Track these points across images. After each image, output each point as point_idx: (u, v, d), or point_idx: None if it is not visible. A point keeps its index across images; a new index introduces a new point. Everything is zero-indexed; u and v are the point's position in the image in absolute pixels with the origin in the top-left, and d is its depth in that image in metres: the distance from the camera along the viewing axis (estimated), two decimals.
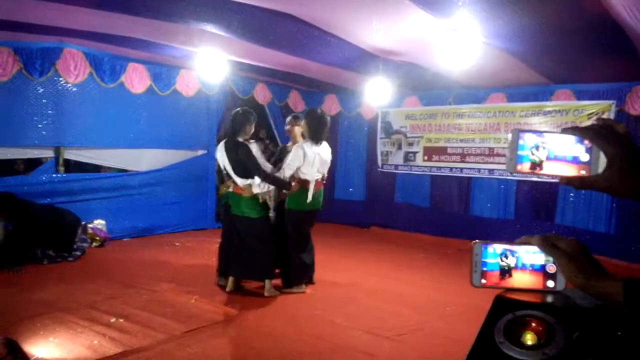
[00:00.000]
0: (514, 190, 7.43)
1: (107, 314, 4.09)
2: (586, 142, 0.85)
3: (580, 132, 0.84)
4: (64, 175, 6.64)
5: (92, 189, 6.86)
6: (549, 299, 0.90)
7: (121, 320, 3.99)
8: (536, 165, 0.86)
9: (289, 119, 5.35)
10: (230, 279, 4.87)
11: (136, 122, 7.24)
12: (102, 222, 6.73)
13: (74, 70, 6.33)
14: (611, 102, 6.48)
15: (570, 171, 0.85)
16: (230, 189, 4.90)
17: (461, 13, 4.27)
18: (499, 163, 7.41)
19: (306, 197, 4.91)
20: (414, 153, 8.40)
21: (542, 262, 0.92)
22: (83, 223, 6.16)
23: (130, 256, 6.19)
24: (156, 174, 7.57)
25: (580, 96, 6.76)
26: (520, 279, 0.92)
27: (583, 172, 0.85)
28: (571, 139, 0.85)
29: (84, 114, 6.64)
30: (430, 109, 8.20)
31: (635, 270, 5.92)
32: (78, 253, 5.89)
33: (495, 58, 5.60)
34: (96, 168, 7.53)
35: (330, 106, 9.07)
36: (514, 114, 7.34)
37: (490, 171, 7.56)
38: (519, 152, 0.86)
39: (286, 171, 4.84)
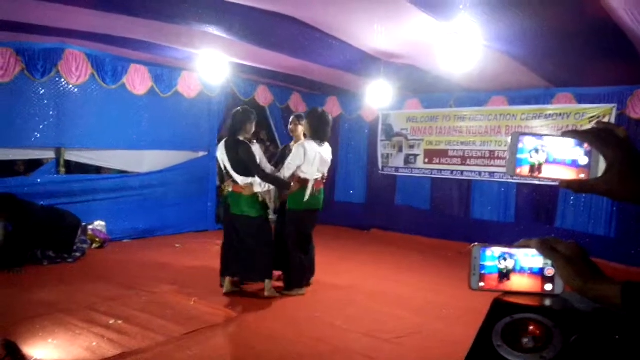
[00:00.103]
0: (514, 193, 7.42)
1: (106, 316, 4.09)
2: (585, 145, 0.85)
3: (579, 135, 0.84)
4: (65, 176, 6.65)
5: (93, 190, 6.86)
6: (547, 302, 0.90)
7: (120, 322, 3.98)
8: (535, 168, 0.86)
9: (292, 118, 5.38)
10: (227, 279, 4.86)
11: (137, 123, 7.25)
12: (102, 223, 6.73)
13: (75, 71, 6.34)
14: (612, 105, 6.47)
15: (570, 174, 0.86)
16: (230, 189, 4.91)
17: (462, 16, 4.27)
18: (499, 166, 7.41)
19: (303, 197, 4.91)
20: (415, 156, 8.40)
21: (541, 266, 0.91)
22: (83, 224, 6.16)
23: (130, 258, 6.18)
24: (157, 175, 7.57)
25: (581, 100, 6.76)
26: (519, 282, 0.92)
27: (582, 176, 0.85)
28: (570, 142, 0.85)
29: (86, 115, 6.64)
30: (431, 112, 8.20)
31: (635, 274, 5.91)
32: (78, 254, 5.89)
33: (497, 61, 5.60)
34: (97, 169, 7.54)
35: (331, 108, 9.07)
36: (515, 117, 7.34)
37: (491, 174, 7.56)
38: (519, 156, 0.86)
39: (286, 171, 4.85)
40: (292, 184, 4.86)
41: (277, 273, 5.16)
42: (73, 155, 6.78)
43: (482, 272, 0.92)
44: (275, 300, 4.79)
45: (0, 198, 5.44)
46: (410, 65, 6.24)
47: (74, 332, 3.75)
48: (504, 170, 6.87)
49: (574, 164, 0.85)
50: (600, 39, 4.56)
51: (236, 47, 5.86)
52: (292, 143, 5.41)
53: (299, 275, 5.02)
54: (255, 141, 5.16)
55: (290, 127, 5.35)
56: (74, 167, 7.11)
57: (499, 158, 7.45)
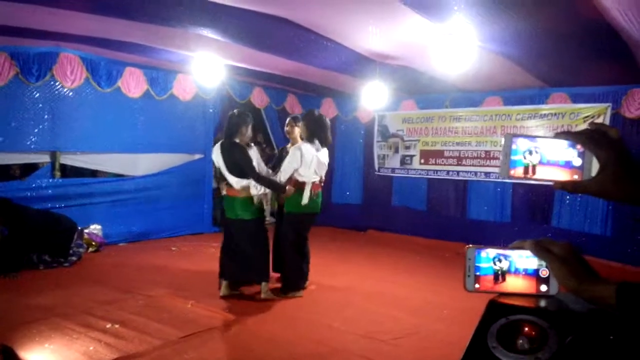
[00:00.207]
0: (510, 193, 7.44)
1: (103, 320, 4.07)
2: (579, 146, 0.85)
3: (572, 136, 0.85)
4: (60, 180, 6.62)
5: (88, 193, 6.84)
6: (542, 303, 0.90)
7: (117, 325, 3.97)
8: (529, 169, 0.86)
9: (288, 120, 5.37)
10: (224, 283, 4.86)
11: (133, 126, 7.23)
12: (98, 227, 6.71)
13: (70, 74, 6.33)
14: (607, 105, 6.50)
15: (563, 175, 0.86)
16: (224, 192, 4.91)
17: (457, 17, 4.29)
18: (495, 166, 7.42)
19: (301, 200, 4.91)
20: (411, 156, 8.41)
21: (535, 267, 0.92)
22: (79, 228, 6.13)
23: (126, 261, 6.17)
24: (153, 178, 7.56)
25: (576, 99, 6.78)
26: (514, 284, 0.92)
27: (576, 177, 0.86)
28: (564, 143, 0.86)
29: (81, 118, 6.62)
30: (427, 113, 8.22)
31: (631, 272, 5.93)
32: (74, 258, 5.87)
33: (491, 62, 5.62)
34: (92, 173, 7.52)
35: (327, 110, 9.08)
36: (510, 117, 7.36)
37: (487, 174, 7.58)
38: (512, 157, 0.86)
39: (283, 175, 4.84)
40: (288, 187, 4.85)
41: (275, 275, 5.16)
42: (68, 159, 6.76)
43: (477, 273, 0.92)
44: (272, 302, 4.79)
45: None
46: (406, 67, 6.25)
47: (71, 336, 3.73)
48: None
49: (568, 165, 0.86)
50: (594, 39, 4.57)
51: (231, 49, 5.86)
52: (289, 145, 5.41)
53: (295, 277, 5.02)
54: (253, 144, 5.16)
55: (286, 129, 5.36)
56: (69, 171, 7.08)
57: (494, 158, 7.47)
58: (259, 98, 8.66)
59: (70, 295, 4.71)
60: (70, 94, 6.48)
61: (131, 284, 5.16)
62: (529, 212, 7.32)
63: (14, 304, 4.43)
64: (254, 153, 5.05)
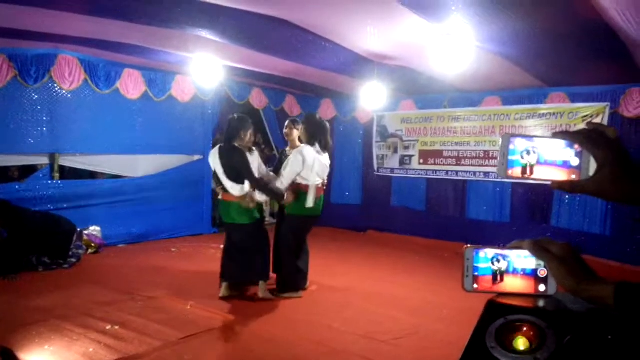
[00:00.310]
0: (509, 193, 7.44)
1: (102, 321, 4.07)
2: (576, 146, 0.85)
3: (570, 136, 0.85)
4: (59, 182, 6.61)
5: (87, 195, 6.83)
6: (541, 303, 0.90)
7: (117, 327, 3.97)
8: (527, 169, 0.86)
9: (287, 122, 5.36)
10: (224, 284, 4.86)
11: (131, 128, 7.23)
12: (98, 228, 6.70)
13: (68, 76, 6.32)
14: (605, 104, 6.50)
15: (561, 175, 0.86)
16: (220, 196, 4.91)
17: (455, 18, 4.29)
18: (494, 166, 7.42)
19: (305, 203, 4.90)
20: (410, 156, 8.41)
21: (534, 267, 0.92)
22: (78, 230, 6.13)
23: (126, 262, 6.16)
24: (152, 179, 7.55)
25: (574, 99, 6.79)
26: (512, 284, 0.92)
27: (573, 177, 0.86)
28: (561, 143, 0.86)
29: (79, 120, 6.62)
30: (426, 113, 8.22)
31: (630, 272, 5.94)
32: (73, 260, 5.87)
33: (490, 62, 5.62)
34: (91, 174, 7.52)
35: (326, 111, 9.08)
36: (508, 117, 7.36)
37: (486, 174, 7.58)
38: (510, 157, 0.86)
39: (286, 179, 4.81)
40: (287, 194, 4.83)
41: (274, 276, 5.16)
42: (67, 161, 6.75)
43: (476, 273, 0.93)
44: (272, 303, 4.79)
45: None
46: (404, 67, 6.25)
47: (71, 338, 3.73)
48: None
49: (565, 165, 0.86)
50: (593, 38, 4.58)
51: (230, 50, 5.86)
52: (287, 148, 5.41)
53: (293, 278, 5.02)
54: (254, 148, 5.17)
55: (285, 131, 5.35)
56: (68, 173, 7.08)
57: (493, 158, 7.47)
58: (257, 99, 8.66)
59: (69, 297, 4.71)
60: (69, 95, 6.48)
61: (131, 285, 5.16)
62: (528, 212, 7.33)
63: (13, 305, 4.42)
64: (255, 156, 5.06)
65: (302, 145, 4.97)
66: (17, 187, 6.30)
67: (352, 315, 4.56)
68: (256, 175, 4.86)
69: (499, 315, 0.88)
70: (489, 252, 0.93)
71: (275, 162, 5.63)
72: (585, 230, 6.71)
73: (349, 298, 5.07)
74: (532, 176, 0.86)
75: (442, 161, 8.03)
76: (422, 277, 6.02)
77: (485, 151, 7.58)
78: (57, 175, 6.59)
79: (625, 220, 6.33)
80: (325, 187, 5.19)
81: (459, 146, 7.83)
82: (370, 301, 5.00)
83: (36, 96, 6.22)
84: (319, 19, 4.73)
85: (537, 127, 7.03)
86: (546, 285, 0.91)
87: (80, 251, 6.08)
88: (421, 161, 8.27)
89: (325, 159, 5.05)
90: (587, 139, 0.83)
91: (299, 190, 4.91)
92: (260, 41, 5.56)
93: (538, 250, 0.86)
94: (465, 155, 7.77)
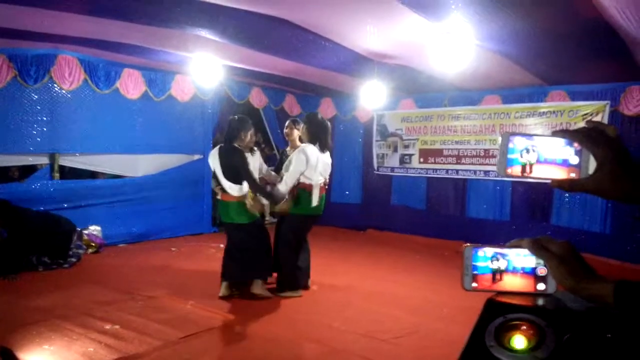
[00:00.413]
0: (509, 191, 7.44)
1: (102, 321, 4.07)
2: (576, 144, 0.85)
3: (569, 134, 0.85)
4: (59, 181, 6.61)
5: (87, 195, 6.83)
6: (540, 301, 0.90)
7: (117, 327, 3.97)
8: (526, 168, 0.86)
9: (288, 122, 5.37)
10: (224, 284, 4.86)
11: (131, 127, 7.23)
12: (98, 228, 6.70)
13: (68, 76, 6.32)
14: (605, 102, 6.50)
15: (560, 174, 0.86)
16: (219, 196, 4.91)
17: (455, 16, 4.28)
18: (494, 164, 7.41)
19: (309, 202, 4.90)
20: (410, 155, 8.41)
21: (533, 265, 0.92)
22: (78, 229, 6.13)
23: (126, 262, 6.17)
24: (152, 179, 7.55)
25: (574, 97, 6.78)
26: (512, 282, 0.92)
27: (573, 175, 0.86)
28: (561, 141, 0.86)
29: (79, 120, 6.62)
30: (426, 112, 8.21)
31: (630, 270, 5.94)
32: (73, 259, 5.87)
33: (489, 60, 5.62)
34: (91, 174, 7.51)
35: (326, 110, 9.08)
36: (508, 115, 7.36)
37: (486, 173, 7.57)
38: (509, 156, 0.86)
39: (290, 180, 4.80)
40: (284, 201, 4.82)
41: (274, 275, 5.17)
42: (67, 161, 6.75)
43: (475, 272, 0.92)
44: (272, 302, 4.79)
45: None
46: (404, 66, 6.25)
47: (71, 337, 3.73)
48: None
49: (565, 163, 0.86)
50: (592, 37, 4.58)
51: (230, 50, 5.86)
52: (288, 148, 5.40)
53: (292, 277, 5.01)
54: (256, 148, 5.19)
55: (285, 131, 5.34)
56: (68, 173, 7.08)
57: (493, 157, 7.47)
58: (257, 98, 8.65)
59: (69, 297, 4.71)
60: (69, 95, 6.47)
61: (131, 284, 5.16)
62: (528, 210, 7.33)
63: (13, 305, 4.42)
64: (257, 157, 5.08)
65: (304, 144, 4.96)
66: (17, 187, 6.30)
67: (353, 314, 4.56)
68: (256, 176, 4.89)
69: (498, 314, 0.87)
70: (488, 251, 0.92)
71: (275, 162, 5.62)
72: (586, 228, 6.71)
73: (349, 297, 5.06)
74: (532, 175, 0.86)
75: (442, 160, 8.03)
76: (422, 276, 6.02)
77: (485, 150, 7.58)
78: (57, 175, 6.59)
79: (625, 218, 6.33)
80: (326, 186, 5.19)
81: (459, 145, 7.83)
82: (371, 300, 5.00)
83: (36, 96, 6.22)
84: (318, 18, 4.73)
85: (537, 125, 7.03)
86: (545, 283, 0.91)
87: (81, 251, 6.08)
88: (421, 160, 8.27)
89: (327, 157, 5.06)
90: (586, 137, 0.83)
91: (301, 190, 4.90)
92: (260, 40, 5.56)
93: (537, 249, 0.86)
94: (465, 153, 7.77)
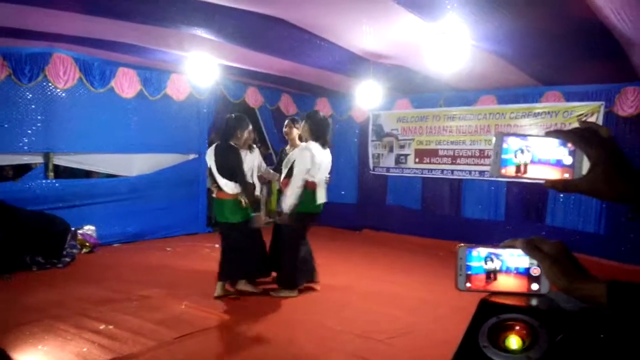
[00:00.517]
0: (504, 191, 7.46)
1: (96, 321, 4.06)
2: (569, 145, 0.85)
3: (563, 135, 0.85)
4: (54, 181, 6.58)
5: (82, 194, 6.80)
6: (534, 302, 0.90)
7: (111, 327, 3.96)
8: (520, 168, 0.86)
9: (287, 121, 5.37)
10: (219, 283, 4.85)
11: (126, 127, 7.21)
12: (92, 227, 6.68)
13: (63, 75, 6.30)
14: (600, 103, 6.52)
15: (554, 174, 0.86)
16: (214, 195, 4.92)
17: (450, 16, 4.29)
18: (489, 165, 7.40)
19: (312, 200, 4.90)
20: (406, 155, 8.42)
21: (527, 265, 0.92)
22: (73, 229, 6.10)
23: (120, 262, 6.14)
24: (147, 178, 7.53)
25: (569, 97, 6.81)
26: (505, 282, 0.92)
27: (567, 175, 0.85)
28: (554, 142, 0.86)
29: (74, 119, 6.59)
30: (421, 112, 8.22)
31: (624, 270, 5.95)
32: (67, 259, 5.85)
33: (485, 61, 5.62)
34: (86, 173, 7.49)
35: (322, 110, 9.01)
36: (504, 115, 7.38)
37: (481, 173, 7.59)
38: (503, 156, 0.86)
39: (298, 179, 4.78)
40: (259, 216, 4.80)
41: (272, 275, 5.19)
42: (62, 160, 6.73)
43: (469, 272, 0.92)
44: (268, 302, 4.78)
45: None
46: (399, 66, 6.25)
47: (65, 338, 3.71)
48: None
49: (559, 163, 0.86)
50: (587, 37, 4.59)
51: (225, 49, 5.85)
52: (287, 147, 5.40)
53: (291, 276, 5.00)
54: (255, 146, 5.20)
55: (285, 130, 5.34)
56: (62, 172, 7.05)
57: (488, 157, 7.42)
58: (253, 98, 8.65)
59: (63, 297, 4.69)
60: (63, 94, 6.46)
61: (125, 284, 5.14)
62: (523, 211, 7.35)
63: (6, 305, 4.40)
64: (256, 154, 5.10)
65: (307, 142, 4.94)
66: (11, 186, 6.27)
67: (349, 314, 4.56)
68: (255, 174, 4.95)
69: (491, 314, 0.87)
70: (482, 251, 0.92)
71: (271, 162, 5.63)
72: (580, 229, 6.74)
73: (345, 297, 5.06)
74: (526, 175, 0.86)
75: (437, 160, 8.04)
76: (418, 276, 6.02)
77: (480, 150, 7.59)
78: (51, 174, 6.56)
79: (620, 219, 6.35)
80: (327, 184, 5.18)
81: (454, 145, 7.84)
82: (367, 300, 5.00)
83: (30, 95, 6.20)
84: (314, 17, 4.72)
85: (532, 126, 7.05)
86: (539, 284, 0.91)
87: (75, 251, 6.06)
88: (417, 160, 8.28)
89: (328, 155, 5.05)
90: (580, 137, 0.83)
91: (304, 188, 4.89)
92: (256, 40, 5.55)
93: (530, 249, 0.86)
94: (460, 154, 7.78)
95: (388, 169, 8.67)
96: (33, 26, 5.18)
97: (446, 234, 7.65)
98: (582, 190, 0.84)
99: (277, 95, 9.11)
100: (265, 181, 6.15)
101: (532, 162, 0.86)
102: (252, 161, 5.10)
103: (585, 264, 0.82)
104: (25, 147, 6.27)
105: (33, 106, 6.23)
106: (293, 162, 4.99)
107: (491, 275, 0.92)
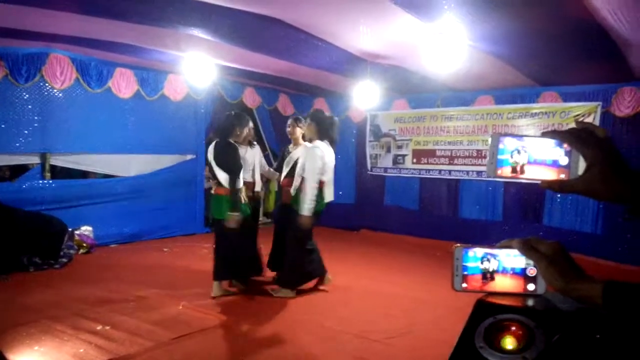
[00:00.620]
0: (501, 192, 7.47)
1: (93, 322, 4.05)
2: (565, 145, 0.85)
3: (559, 135, 0.85)
4: (50, 181, 6.56)
5: (79, 195, 6.78)
6: (530, 302, 0.90)
7: (108, 327, 3.95)
8: (516, 169, 0.86)
9: (290, 121, 5.38)
10: (215, 283, 4.85)
11: (123, 127, 7.19)
12: (89, 228, 6.66)
13: (60, 75, 6.28)
14: (597, 103, 6.54)
15: (550, 175, 0.86)
16: (213, 191, 4.92)
17: (447, 17, 4.29)
18: (486, 165, 7.43)
19: (320, 199, 4.89)
20: (403, 156, 8.42)
21: (523, 266, 0.92)
22: (70, 229, 6.09)
23: (117, 262, 6.13)
24: (144, 179, 7.51)
25: (566, 98, 6.82)
26: (502, 283, 0.92)
27: (563, 176, 0.86)
28: (550, 142, 0.86)
29: (71, 119, 6.57)
30: (419, 112, 8.23)
31: (622, 270, 5.97)
32: (65, 260, 5.83)
33: (482, 61, 5.63)
34: (83, 174, 7.47)
35: None
36: (501, 116, 7.39)
37: (479, 173, 7.60)
38: (499, 157, 0.86)
39: (313, 180, 4.76)
40: (236, 215, 4.74)
41: (271, 274, 5.20)
42: (59, 160, 6.70)
43: (465, 273, 0.92)
44: (266, 302, 4.78)
45: None
46: (397, 66, 6.26)
47: (61, 338, 3.70)
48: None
49: (555, 164, 0.86)
50: (584, 38, 4.60)
51: (222, 49, 5.84)
52: (290, 146, 5.40)
53: (291, 277, 4.99)
54: (255, 143, 5.22)
55: (288, 129, 5.33)
56: (59, 172, 7.03)
57: (486, 157, 7.47)
58: (250, 98, 8.64)
59: (60, 297, 4.68)
60: (60, 95, 6.43)
61: (122, 285, 5.13)
62: (520, 211, 7.36)
63: (3, 306, 4.39)
64: (257, 151, 5.15)
65: (315, 142, 4.92)
66: (7, 186, 6.25)
67: (347, 314, 4.56)
68: (258, 169, 5.09)
69: (488, 315, 0.87)
70: (479, 252, 0.92)
71: (277, 160, 5.65)
72: (577, 229, 6.75)
73: (343, 297, 5.06)
74: (522, 175, 0.86)
75: (435, 160, 8.05)
76: (415, 276, 6.02)
77: (478, 150, 7.60)
78: (48, 174, 6.54)
79: (617, 219, 6.37)
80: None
81: (451, 145, 7.85)
82: (365, 300, 5.00)
83: (27, 95, 6.18)
84: (311, 17, 4.72)
85: (530, 126, 7.06)
86: (535, 284, 0.91)
87: (72, 251, 6.05)
88: (414, 160, 8.29)
89: (332, 153, 5.05)
90: (576, 138, 0.83)
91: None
92: (253, 40, 5.55)
93: (527, 249, 0.86)
94: (458, 154, 7.79)
95: (385, 170, 8.68)
96: (30, 26, 5.17)
97: (444, 234, 7.66)
98: (578, 190, 0.84)
99: (274, 95, 9.11)
100: (264, 180, 6.15)
101: (529, 162, 0.86)
102: (252, 157, 5.12)
103: (582, 264, 0.82)
104: (22, 148, 6.24)
105: (30, 106, 6.21)
106: (296, 161, 5.00)
107: (487, 275, 0.92)
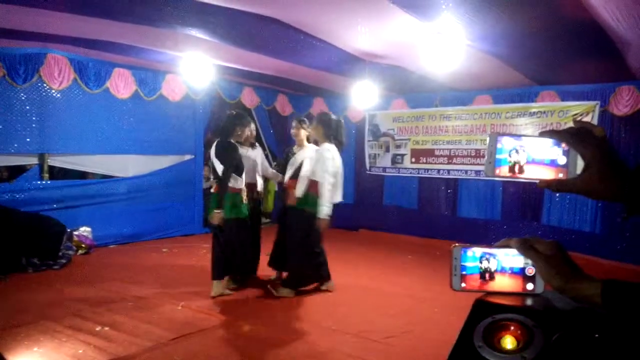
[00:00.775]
0: (500, 191, 7.47)
1: (92, 322, 4.04)
2: (563, 145, 0.85)
3: (557, 135, 0.85)
4: (49, 182, 6.56)
5: (77, 195, 6.77)
6: (529, 301, 0.90)
7: (107, 328, 3.94)
8: (514, 168, 0.86)
9: (294, 122, 5.38)
10: (214, 283, 4.84)
11: (122, 127, 7.18)
12: (88, 229, 6.65)
13: (58, 76, 6.27)
14: (595, 102, 6.54)
15: (548, 174, 0.86)
16: (212, 190, 4.93)
17: (445, 16, 4.29)
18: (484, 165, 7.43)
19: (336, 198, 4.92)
20: (402, 155, 8.42)
21: (522, 265, 0.91)
22: (68, 230, 6.09)
23: (116, 263, 6.12)
24: (142, 179, 7.51)
25: (564, 97, 6.83)
26: (500, 282, 0.92)
27: (561, 175, 0.86)
28: (549, 142, 0.86)
29: (69, 120, 6.57)
30: (417, 112, 8.23)
31: (620, 270, 5.98)
32: (63, 261, 5.82)
33: (480, 61, 5.63)
34: (81, 174, 7.46)
35: (318, 110, 9.07)
36: (499, 115, 7.39)
37: (477, 172, 7.60)
38: (498, 156, 0.86)
39: (327, 184, 4.78)
40: (219, 212, 4.75)
41: (272, 273, 5.19)
42: (57, 161, 6.70)
43: (463, 272, 0.92)
44: (265, 302, 4.78)
45: None
46: (395, 66, 6.25)
47: (60, 339, 3.70)
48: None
49: (553, 163, 0.86)
50: (582, 38, 4.60)
51: (221, 49, 5.84)
52: (294, 147, 5.40)
53: (294, 277, 5.00)
54: (257, 145, 5.23)
55: (292, 131, 5.33)
56: (57, 173, 7.02)
57: (484, 157, 7.46)
58: (249, 98, 8.64)
59: (59, 298, 4.67)
60: (58, 95, 6.43)
61: (121, 286, 5.13)
62: (519, 210, 7.36)
63: (2, 307, 4.38)
64: (258, 152, 5.15)
65: (324, 144, 4.93)
66: (5, 187, 6.23)
67: (346, 314, 4.56)
68: (260, 170, 5.14)
69: (486, 314, 0.87)
70: (477, 251, 0.92)
71: (281, 162, 5.66)
72: (576, 228, 6.76)
73: (342, 297, 5.06)
74: (520, 175, 0.86)
75: (433, 160, 8.05)
76: (414, 276, 6.02)
77: (476, 150, 7.61)
78: (46, 175, 6.53)
79: (615, 218, 6.38)
80: None
81: (450, 145, 7.86)
82: (364, 300, 5.00)
83: (25, 96, 6.17)
84: (310, 17, 4.72)
85: (528, 125, 7.06)
86: (534, 283, 0.91)
87: (70, 252, 6.04)
88: (413, 160, 8.29)
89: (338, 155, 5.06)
90: (573, 137, 0.83)
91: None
92: (252, 40, 5.55)
93: (525, 249, 0.86)
94: (456, 153, 7.79)
95: (384, 169, 8.68)
96: (27, 26, 5.16)
97: (442, 234, 7.67)
98: (576, 190, 0.84)
99: (273, 95, 9.11)
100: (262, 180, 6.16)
101: (527, 162, 0.86)
102: (254, 158, 5.12)
103: (581, 263, 0.82)
104: (20, 148, 6.24)
105: (28, 107, 6.20)
106: (301, 163, 4.99)
107: (486, 275, 0.92)
